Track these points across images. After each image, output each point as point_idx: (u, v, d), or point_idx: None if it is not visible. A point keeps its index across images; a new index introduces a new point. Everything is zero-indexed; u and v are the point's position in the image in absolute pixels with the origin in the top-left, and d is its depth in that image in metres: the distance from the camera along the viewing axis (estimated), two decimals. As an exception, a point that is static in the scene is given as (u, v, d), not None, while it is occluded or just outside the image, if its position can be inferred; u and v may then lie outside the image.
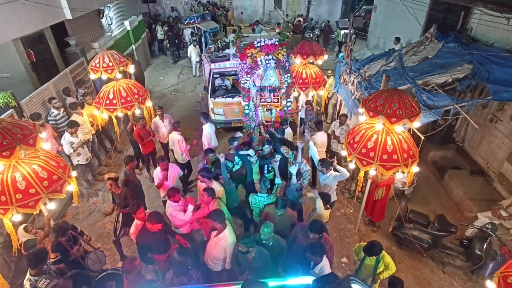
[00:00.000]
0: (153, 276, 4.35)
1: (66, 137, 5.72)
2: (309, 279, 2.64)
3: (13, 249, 3.68)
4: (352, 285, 2.23)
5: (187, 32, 14.51)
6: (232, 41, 12.91)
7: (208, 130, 6.02)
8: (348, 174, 4.69)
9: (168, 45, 14.67)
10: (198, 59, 12.56)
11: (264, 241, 3.55)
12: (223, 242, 3.62)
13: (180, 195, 4.30)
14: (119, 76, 5.75)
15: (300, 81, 6.64)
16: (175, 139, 5.85)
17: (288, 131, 5.92)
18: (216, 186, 4.45)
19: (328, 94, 8.06)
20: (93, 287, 3.30)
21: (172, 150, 6.31)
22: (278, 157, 4.79)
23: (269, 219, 3.95)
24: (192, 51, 12.56)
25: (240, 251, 3.39)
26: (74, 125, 5.73)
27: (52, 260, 3.70)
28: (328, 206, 4.30)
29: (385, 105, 3.88)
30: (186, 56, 13.85)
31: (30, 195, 3.16)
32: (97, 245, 5.19)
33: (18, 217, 3.27)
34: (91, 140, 6.54)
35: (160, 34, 15.29)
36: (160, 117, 6.37)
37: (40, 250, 3.32)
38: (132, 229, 3.99)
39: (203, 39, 13.05)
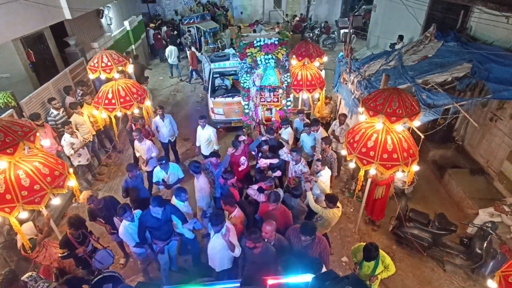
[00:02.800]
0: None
1: (67, 138, 5.72)
2: (308, 277, 2.64)
3: (24, 247, 3.72)
4: None
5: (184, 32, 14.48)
6: (231, 39, 12.87)
7: (209, 131, 6.01)
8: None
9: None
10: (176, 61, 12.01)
11: (265, 240, 3.55)
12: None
13: (186, 194, 4.27)
14: (117, 75, 5.75)
15: (295, 82, 6.53)
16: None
17: (289, 131, 5.92)
18: (202, 179, 4.63)
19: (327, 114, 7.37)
20: None
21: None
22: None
23: (264, 214, 4.00)
24: (172, 51, 11.84)
25: (247, 247, 3.43)
26: (67, 123, 5.77)
27: (60, 255, 3.83)
28: (338, 205, 4.22)
29: (385, 104, 3.88)
30: (186, 57, 13.83)
31: (35, 191, 3.19)
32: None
33: (24, 214, 3.28)
34: (91, 140, 6.55)
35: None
36: (160, 117, 6.37)
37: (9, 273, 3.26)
38: (121, 229, 4.02)
39: (202, 39, 13.04)
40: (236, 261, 3.85)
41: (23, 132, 3.18)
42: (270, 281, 2.56)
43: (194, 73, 11.83)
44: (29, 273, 3.22)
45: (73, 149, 5.76)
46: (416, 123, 4.05)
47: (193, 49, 12.37)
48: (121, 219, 3.94)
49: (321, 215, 4.22)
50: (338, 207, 4.19)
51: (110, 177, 6.95)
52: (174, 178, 5.03)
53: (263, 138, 5.26)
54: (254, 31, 14.46)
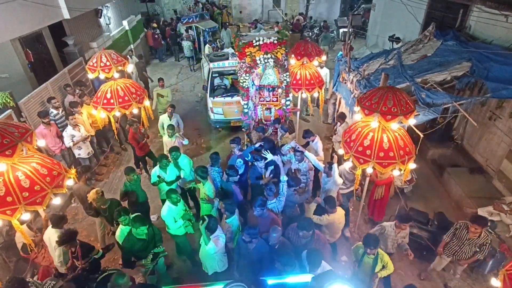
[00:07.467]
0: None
1: (68, 130, 5.84)
2: (307, 277, 2.64)
3: (24, 249, 3.70)
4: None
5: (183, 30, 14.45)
6: (232, 42, 12.89)
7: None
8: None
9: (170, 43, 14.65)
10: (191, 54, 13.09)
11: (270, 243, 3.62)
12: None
13: (177, 196, 4.24)
14: (116, 75, 5.74)
15: (294, 82, 6.42)
16: None
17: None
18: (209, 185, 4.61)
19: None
20: None
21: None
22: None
23: (251, 219, 4.05)
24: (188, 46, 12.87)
25: (243, 240, 3.49)
26: (71, 115, 5.86)
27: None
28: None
29: (380, 103, 3.87)
30: (185, 56, 13.83)
31: (36, 192, 3.16)
32: (97, 245, 5.19)
33: (26, 216, 3.25)
34: (89, 140, 6.54)
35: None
36: (169, 115, 6.50)
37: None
38: (117, 233, 4.02)
39: (201, 38, 13.02)
40: (230, 264, 3.94)
41: (19, 133, 3.14)
42: (270, 281, 2.56)
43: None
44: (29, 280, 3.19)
45: (72, 141, 5.83)
46: (411, 121, 4.04)
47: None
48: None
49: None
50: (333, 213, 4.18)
51: (109, 177, 6.95)
52: (172, 177, 5.04)
53: (257, 145, 5.23)
54: (256, 26, 14.59)
